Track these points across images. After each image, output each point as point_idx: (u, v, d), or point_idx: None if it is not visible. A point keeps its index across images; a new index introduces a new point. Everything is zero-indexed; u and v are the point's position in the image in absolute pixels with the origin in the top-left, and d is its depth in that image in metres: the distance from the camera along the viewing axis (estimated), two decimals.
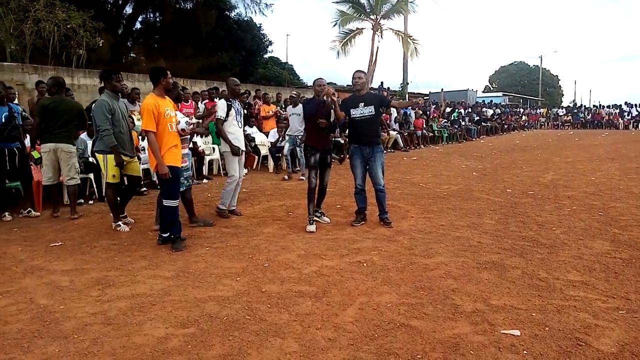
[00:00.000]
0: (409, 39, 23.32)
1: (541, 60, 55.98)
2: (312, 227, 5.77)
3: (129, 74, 14.50)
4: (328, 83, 6.54)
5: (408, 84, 26.71)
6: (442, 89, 31.44)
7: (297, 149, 10.09)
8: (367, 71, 22.80)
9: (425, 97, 29.37)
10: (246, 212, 6.64)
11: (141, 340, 3.01)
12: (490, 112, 28.09)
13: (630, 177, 9.88)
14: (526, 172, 10.93)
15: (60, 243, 5.21)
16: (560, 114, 38.46)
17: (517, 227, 5.88)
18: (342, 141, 11.86)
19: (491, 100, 33.94)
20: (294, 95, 11.13)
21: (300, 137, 10.08)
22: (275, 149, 11.06)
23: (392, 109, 17.29)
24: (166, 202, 4.95)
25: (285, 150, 10.30)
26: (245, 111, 7.81)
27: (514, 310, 3.46)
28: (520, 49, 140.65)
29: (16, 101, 7.49)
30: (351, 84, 6.16)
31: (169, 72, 5.04)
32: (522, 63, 67.39)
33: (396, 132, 16.71)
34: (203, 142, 9.97)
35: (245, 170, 10.37)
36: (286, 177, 9.96)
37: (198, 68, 22.34)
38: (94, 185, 7.62)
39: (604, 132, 29.54)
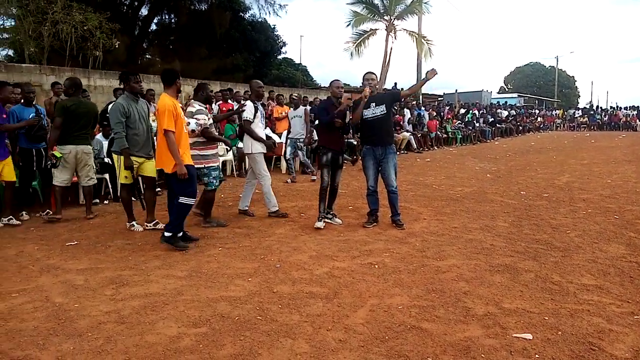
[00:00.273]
0: (422, 40, 23.25)
1: (557, 60, 55.51)
2: (321, 224, 5.86)
3: (144, 75, 14.64)
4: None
5: None
6: (456, 90, 31.29)
7: (300, 152, 10.04)
8: (381, 72, 22.77)
9: (439, 98, 29.29)
10: (259, 213, 6.67)
11: (154, 339, 3.05)
12: (505, 113, 27.83)
13: None
14: (541, 174, 10.83)
15: (75, 242, 5.30)
16: (577, 115, 38.00)
17: (531, 229, 5.83)
18: (355, 142, 11.86)
19: (506, 102, 33.63)
20: (294, 97, 11.14)
21: (301, 139, 10.09)
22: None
23: (405, 110, 17.26)
24: (184, 200, 4.98)
25: (288, 154, 10.23)
26: None
27: (527, 313, 3.43)
28: (536, 49, 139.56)
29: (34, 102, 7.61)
30: (362, 85, 6.16)
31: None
32: (537, 64, 66.77)
33: (409, 134, 16.65)
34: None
35: None
36: (288, 180, 9.78)
37: (212, 69, 22.46)
38: (109, 186, 7.72)
39: (621, 134, 29.08)
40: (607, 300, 3.69)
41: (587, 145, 20.19)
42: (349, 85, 25.41)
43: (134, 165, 5.67)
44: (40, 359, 2.81)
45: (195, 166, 5.45)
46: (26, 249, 5.08)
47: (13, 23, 15.07)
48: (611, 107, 41.40)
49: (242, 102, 6.90)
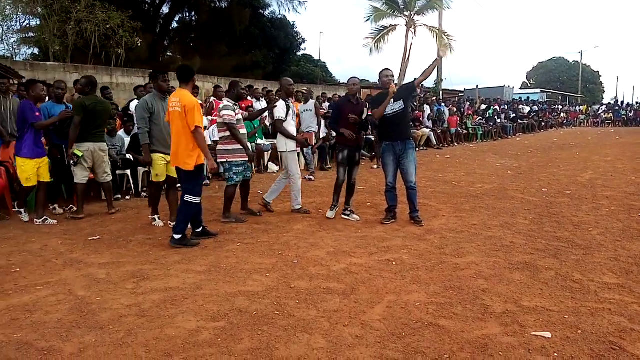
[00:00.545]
0: (443, 35, 23.00)
1: (581, 55, 54.52)
2: (331, 214, 6.10)
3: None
4: (361, 80, 6.58)
5: (442, 80, 26.38)
6: (477, 86, 30.92)
7: (305, 149, 9.89)
8: (400, 68, 22.63)
9: (460, 94, 28.97)
10: (277, 208, 6.71)
11: (173, 332, 3.10)
12: (527, 109, 27.37)
13: None
14: (563, 171, 10.65)
15: (98, 237, 5.40)
16: (601, 111, 37.20)
17: (552, 227, 5.75)
18: (373, 138, 11.81)
19: (528, 97, 33.09)
20: (304, 91, 11.10)
21: (312, 133, 10.06)
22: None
23: (425, 106, 17.12)
24: (189, 198, 5.00)
25: (305, 150, 10.12)
26: None
27: (546, 312, 3.39)
28: (560, 44, 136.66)
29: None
30: (378, 82, 6.14)
31: None
32: (561, 59, 65.51)
33: (429, 130, 16.52)
34: None
35: (277, 167, 10.49)
36: (308, 177, 9.48)
37: (232, 66, 22.60)
38: (131, 182, 7.85)
39: None
40: (630, 299, 3.62)
41: (611, 141, 19.76)
42: (368, 81, 25.34)
43: (162, 163, 5.71)
44: (64, 350, 2.88)
45: (218, 160, 5.52)
46: (50, 243, 5.20)
47: (38, 22, 15.40)
48: (637, 102, 40.41)
49: (273, 98, 6.85)
